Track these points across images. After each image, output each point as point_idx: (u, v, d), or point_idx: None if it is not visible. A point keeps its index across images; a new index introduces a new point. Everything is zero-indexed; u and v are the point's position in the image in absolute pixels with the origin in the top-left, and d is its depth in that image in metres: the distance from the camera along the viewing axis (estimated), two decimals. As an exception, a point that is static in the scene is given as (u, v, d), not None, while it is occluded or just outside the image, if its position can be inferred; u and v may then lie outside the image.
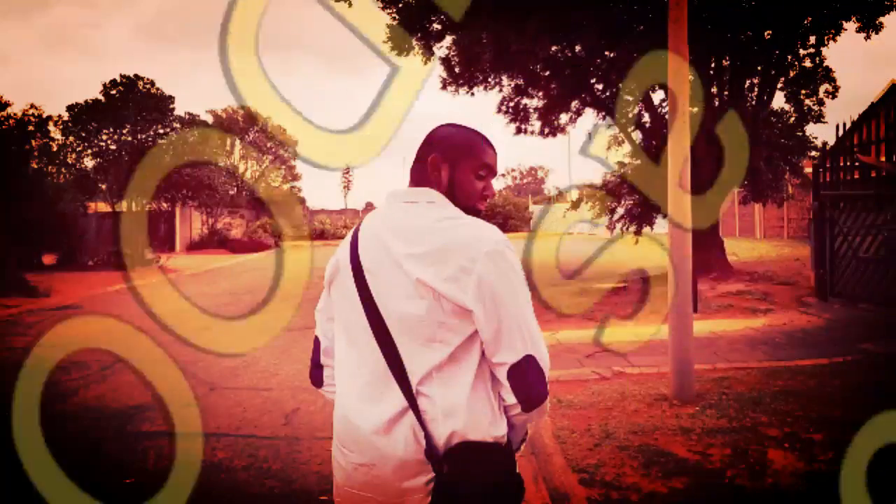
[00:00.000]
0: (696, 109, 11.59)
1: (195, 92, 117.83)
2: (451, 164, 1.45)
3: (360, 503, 1.36)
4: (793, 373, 5.33)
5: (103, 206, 20.60)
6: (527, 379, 1.31)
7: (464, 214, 1.42)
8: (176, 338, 7.95)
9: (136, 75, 19.09)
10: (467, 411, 1.30)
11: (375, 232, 1.41)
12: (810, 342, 6.66)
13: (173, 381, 5.72)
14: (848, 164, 8.10)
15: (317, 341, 1.59)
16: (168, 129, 20.22)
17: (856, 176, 8.23)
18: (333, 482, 1.44)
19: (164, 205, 24.48)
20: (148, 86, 19.47)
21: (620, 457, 3.58)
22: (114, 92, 18.30)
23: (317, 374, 1.59)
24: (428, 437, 1.29)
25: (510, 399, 1.33)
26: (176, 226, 26.54)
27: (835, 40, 11.50)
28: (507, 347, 1.31)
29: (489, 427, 1.31)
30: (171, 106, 19.94)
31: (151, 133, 19.94)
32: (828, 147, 8.68)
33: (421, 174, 1.46)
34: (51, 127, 17.85)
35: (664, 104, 12.11)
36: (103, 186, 19.46)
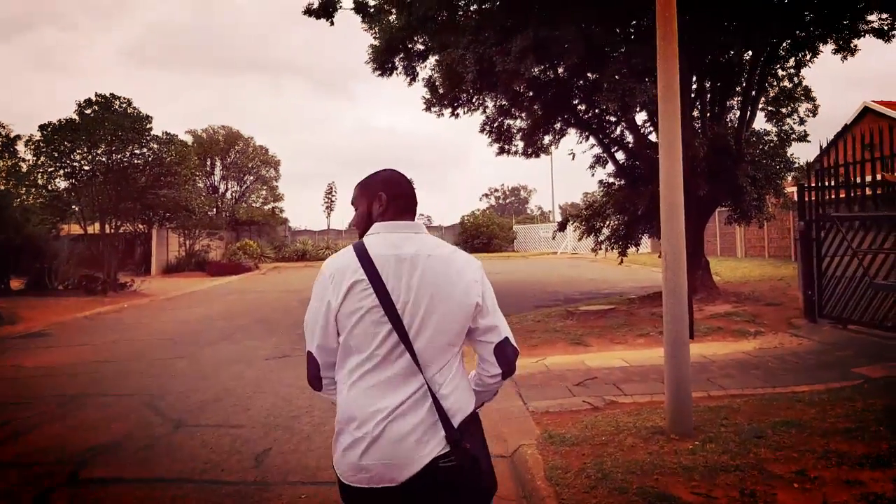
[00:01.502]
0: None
1: (177, 114, 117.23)
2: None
3: (375, 476, 1.67)
4: (791, 401, 5.11)
5: (77, 229, 20.04)
6: (506, 354, 1.82)
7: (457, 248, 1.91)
8: (145, 368, 7.55)
9: (112, 94, 18.69)
10: (463, 392, 1.78)
11: (396, 253, 1.74)
12: (804, 366, 6.48)
13: (137, 417, 5.34)
14: (831, 183, 8.01)
15: (312, 359, 1.81)
16: (144, 149, 19.78)
17: (841, 195, 8.15)
18: (341, 469, 1.71)
19: (141, 226, 23.94)
20: (124, 105, 19.07)
21: (619, 501, 3.31)
22: (88, 111, 17.86)
23: (317, 383, 1.85)
24: (442, 412, 1.69)
25: (494, 370, 1.83)
26: (152, 248, 25.98)
27: (812, 62, 11.60)
28: (493, 333, 1.81)
29: (471, 401, 1.81)
30: (149, 126, 19.51)
31: (127, 153, 19.49)
32: (813, 167, 8.60)
33: (413, 214, 1.89)
34: (21, 147, 17.34)
35: (647, 124, 12.06)
36: (76, 208, 18.92)
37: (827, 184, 8.21)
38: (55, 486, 3.85)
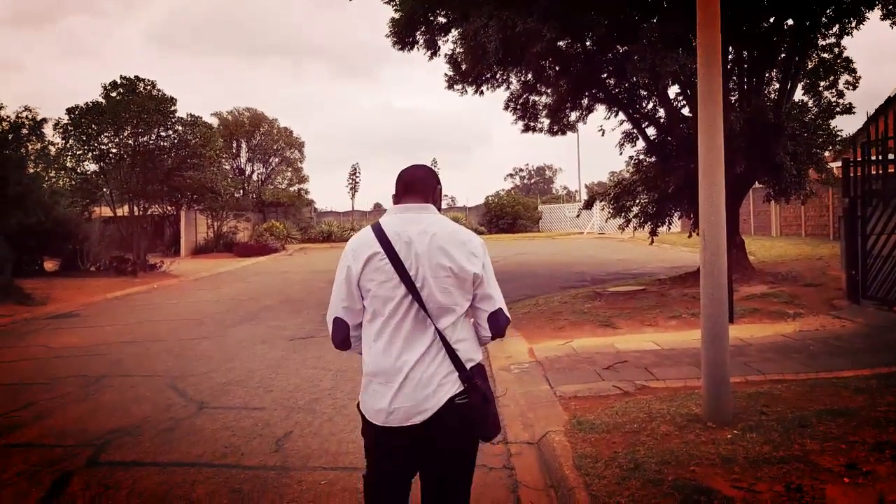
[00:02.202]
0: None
1: (202, 98, 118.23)
2: (440, 192, 2.28)
3: (403, 417, 2.00)
4: (836, 387, 4.83)
5: (107, 211, 20.32)
6: (498, 322, 2.15)
7: (461, 226, 2.23)
8: (170, 349, 7.55)
9: (136, 77, 18.75)
10: (472, 343, 2.12)
11: (404, 230, 2.08)
12: (847, 350, 6.16)
13: (160, 399, 5.30)
14: (878, 157, 7.55)
15: (340, 323, 2.13)
16: (170, 132, 19.87)
17: (889, 170, 7.70)
18: (370, 414, 2.05)
19: (169, 208, 24.20)
20: (149, 87, 19.13)
21: (653, 494, 3.12)
22: (114, 94, 17.96)
23: (345, 345, 2.17)
24: (457, 362, 2.03)
25: (485, 334, 2.17)
26: (181, 230, 26.27)
27: (858, 28, 10.95)
28: (489, 303, 2.14)
29: (479, 352, 2.15)
30: (173, 108, 19.57)
31: (153, 135, 19.62)
32: (858, 140, 8.14)
33: (425, 196, 2.19)
34: (49, 130, 17.53)
35: (679, 98, 11.60)
36: (105, 190, 19.15)
37: (873, 158, 7.76)
38: (74, 468, 3.81)
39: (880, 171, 7.78)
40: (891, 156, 7.69)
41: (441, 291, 2.04)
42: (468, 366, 2.05)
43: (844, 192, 8.09)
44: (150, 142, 19.35)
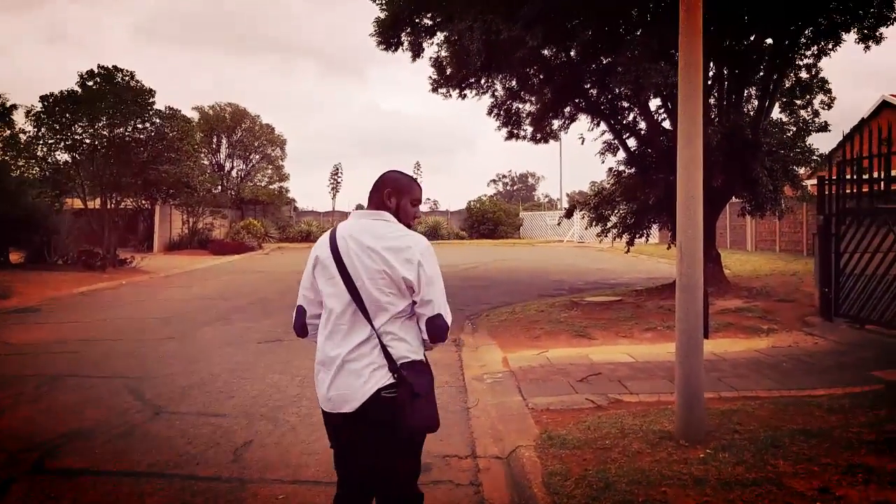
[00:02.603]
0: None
1: (187, 92, 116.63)
2: (398, 197, 2.35)
3: (336, 404, 2.20)
4: (809, 406, 4.79)
5: (79, 203, 19.83)
6: (436, 327, 2.23)
7: (406, 228, 2.32)
8: (133, 349, 7.30)
9: (115, 67, 18.30)
10: (408, 344, 2.23)
11: (351, 234, 2.26)
12: (820, 368, 6.15)
13: (116, 402, 5.08)
14: (854, 176, 7.59)
15: (301, 309, 2.40)
16: (147, 124, 19.44)
17: (863, 190, 7.75)
18: (319, 399, 2.28)
19: (144, 203, 23.71)
20: (127, 78, 18.70)
21: (623, 515, 3.02)
22: (90, 83, 17.51)
23: (302, 331, 2.42)
24: (388, 357, 2.18)
25: (425, 336, 2.26)
26: (155, 225, 25.77)
27: (835, 50, 11.11)
28: (428, 308, 2.23)
29: (415, 352, 2.24)
30: (151, 100, 19.14)
31: (129, 127, 19.18)
32: (833, 159, 8.20)
33: (378, 202, 2.34)
34: (20, 117, 17.03)
35: (660, 111, 11.64)
36: (77, 182, 18.66)
37: (848, 177, 7.81)
38: (17, 475, 3.59)
39: (855, 190, 7.83)
40: (865, 175, 7.75)
41: (377, 291, 2.21)
42: (399, 362, 2.19)
43: (819, 209, 8.14)
44: (126, 133, 18.90)
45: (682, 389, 4.13)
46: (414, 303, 2.25)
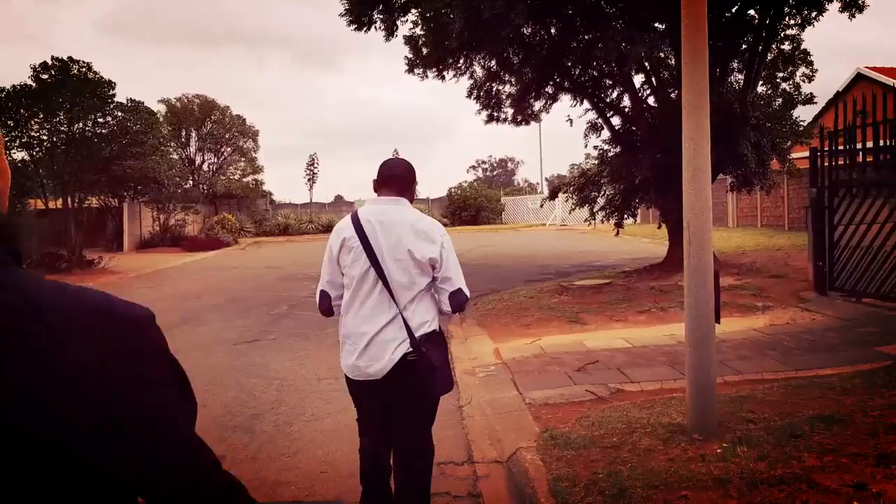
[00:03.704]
0: (675, 93, 10.85)
1: (156, 87, 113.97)
2: (413, 185, 2.75)
3: (365, 373, 2.52)
4: (820, 387, 4.54)
5: (42, 204, 19.00)
6: (458, 300, 2.58)
7: (425, 215, 2.74)
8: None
9: (70, 58, 17.38)
10: (426, 317, 2.55)
11: (375, 217, 2.53)
12: (823, 345, 5.92)
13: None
14: (852, 147, 7.36)
15: (324, 293, 2.66)
16: (108, 118, 18.61)
17: (858, 160, 7.53)
18: (345, 369, 2.61)
19: (112, 200, 22.90)
20: (84, 69, 17.83)
21: (644, 527, 2.70)
22: (45, 76, 16.65)
23: (328, 313, 2.71)
24: (409, 331, 2.49)
25: (446, 308, 2.59)
26: (124, 223, 24.92)
27: (818, 20, 10.90)
28: (450, 283, 2.55)
29: (434, 323, 2.59)
30: (112, 92, 18.30)
31: (89, 122, 18.36)
32: (824, 131, 7.96)
33: (400, 189, 2.63)
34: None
35: (645, 87, 11.33)
36: (38, 181, 17.85)
37: (841, 148, 7.58)
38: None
39: (847, 161, 7.61)
40: (858, 146, 7.52)
41: (402, 271, 2.46)
42: (418, 333, 2.48)
43: (811, 182, 7.92)
44: (87, 128, 18.08)
45: (693, 378, 3.83)
46: (434, 279, 2.55)
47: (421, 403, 2.60)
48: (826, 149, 7.72)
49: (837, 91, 21.45)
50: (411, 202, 2.65)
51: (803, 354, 5.66)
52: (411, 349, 2.45)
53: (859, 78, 21.53)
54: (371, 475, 2.69)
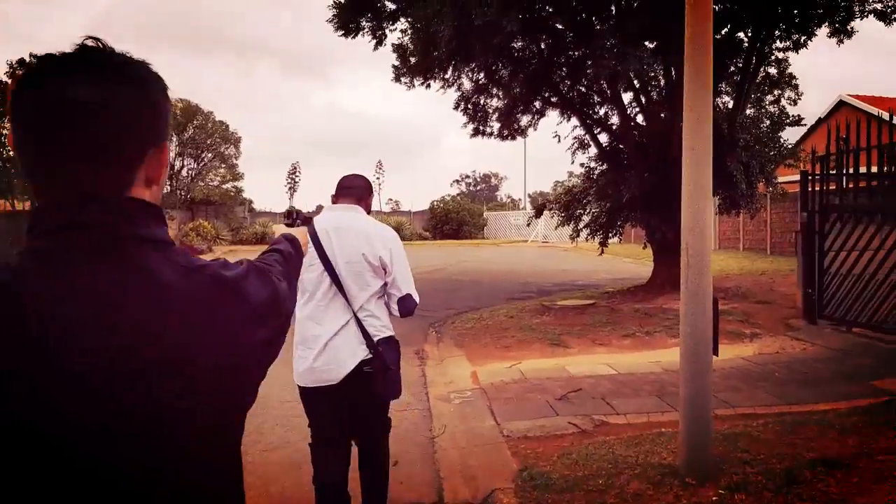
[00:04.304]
0: (665, 112, 10.69)
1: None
2: (369, 196, 2.83)
3: (321, 377, 2.54)
4: (818, 425, 4.25)
5: (10, 206, 18.33)
6: (406, 305, 2.64)
7: (377, 221, 2.78)
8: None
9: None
10: (381, 320, 2.63)
11: (331, 224, 2.60)
12: (815, 377, 5.66)
13: None
14: (847, 171, 7.17)
15: None
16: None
17: (849, 186, 7.34)
18: (297, 376, 2.62)
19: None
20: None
21: None
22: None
23: None
24: (366, 335, 2.55)
25: (396, 313, 2.66)
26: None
27: (806, 47, 10.86)
28: (399, 288, 2.63)
29: (389, 329, 2.67)
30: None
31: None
32: (815, 155, 7.79)
33: (356, 199, 2.74)
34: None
35: (634, 104, 11.17)
36: (5, 181, 17.22)
37: (833, 172, 7.39)
38: None
39: (839, 186, 7.42)
40: (852, 170, 7.35)
41: (355, 275, 2.55)
42: (375, 339, 2.54)
43: (802, 206, 7.72)
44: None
45: (687, 415, 3.51)
46: (386, 284, 2.63)
47: (376, 409, 2.70)
48: (817, 173, 7.53)
49: (820, 117, 21.66)
50: (368, 213, 2.78)
51: (796, 387, 5.39)
52: (369, 354, 2.53)
53: (841, 104, 21.76)
54: (328, 495, 2.66)
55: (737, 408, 4.88)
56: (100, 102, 0.81)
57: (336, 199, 2.75)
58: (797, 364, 6.12)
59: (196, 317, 0.85)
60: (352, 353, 2.51)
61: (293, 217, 1.87)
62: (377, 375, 2.51)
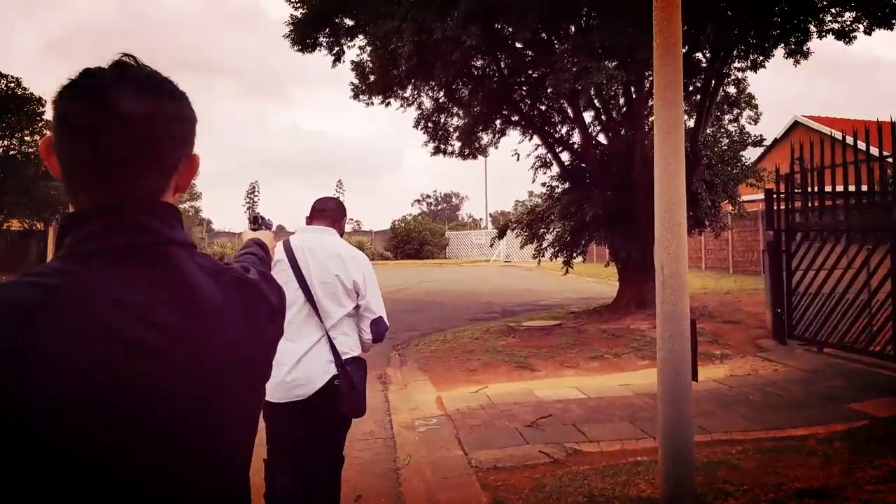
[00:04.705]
0: (624, 132, 10.69)
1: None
2: (343, 219, 2.96)
3: (292, 393, 2.58)
4: (800, 452, 4.06)
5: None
6: (378, 328, 2.74)
7: (351, 245, 2.87)
8: None
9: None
10: (351, 340, 2.71)
11: (306, 245, 2.71)
12: (790, 400, 5.51)
13: None
14: (812, 189, 7.16)
15: None
16: (37, 136, 17.36)
17: (814, 204, 7.33)
18: (269, 391, 2.28)
19: (37, 224, 21.31)
20: (11, 85, 16.61)
21: None
22: (-32, 91, 15.35)
23: None
24: (335, 353, 2.64)
25: (366, 337, 2.74)
26: (49, 248, 23.15)
27: (764, 66, 11.04)
28: (372, 311, 2.73)
29: (357, 349, 2.74)
30: (42, 109, 17.11)
31: (15, 140, 17.02)
32: (779, 174, 7.79)
33: (330, 221, 2.86)
34: None
35: (595, 123, 11.15)
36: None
37: (798, 191, 7.38)
38: None
39: (810, 204, 7.39)
40: (816, 189, 7.34)
41: (329, 295, 2.65)
42: (344, 357, 2.64)
43: (768, 224, 7.69)
44: (11, 146, 16.74)
45: (667, 445, 3.24)
46: (358, 307, 2.71)
47: (336, 423, 2.74)
48: (782, 191, 7.51)
49: (776, 137, 22.25)
50: (341, 235, 2.86)
51: (772, 411, 5.22)
52: (338, 372, 2.61)
53: (796, 125, 22.42)
54: None
55: (713, 433, 4.67)
56: (148, 113, 0.87)
57: (310, 220, 2.84)
58: (770, 386, 5.98)
59: (230, 315, 0.91)
60: (323, 371, 2.59)
61: (258, 222, 1.94)
62: (343, 393, 2.59)
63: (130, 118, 0.85)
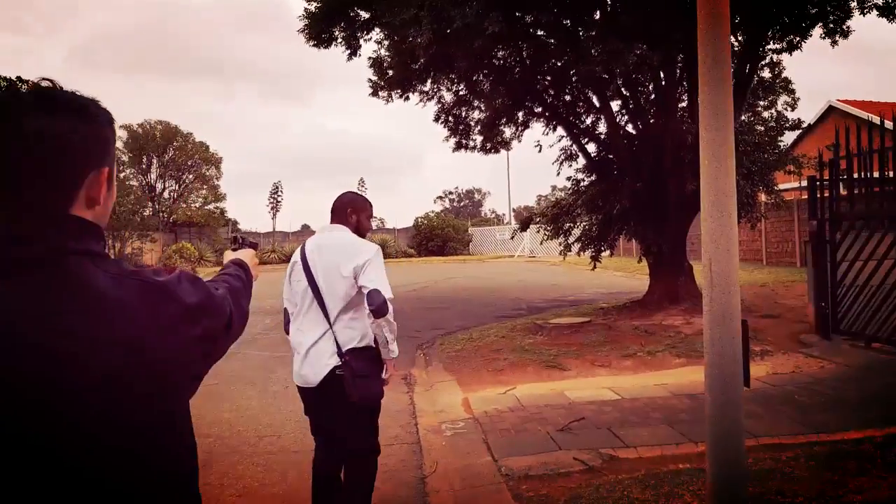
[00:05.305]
0: (653, 121, 10.31)
1: (126, 118, 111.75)
2: (357, 213, 3.08)
3: (305, 380, 2.89)
4: (857, 459, 3.74)
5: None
6: (373, 299, 2.74)
7: (360, 238, 3.03)
8: None
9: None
10: (353, 333, 2.85)
11: (316, 244, 2.97)
12: (839, 401, 5.16)
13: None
14: (860, 175, 6.74)
15: (286, 311, 3.10)
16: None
17: (861, 191, 6.92)
18: (294, 376, 2.97)
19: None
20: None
21: None
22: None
23: (287, 327, 3.09)
24: (338, 343, 2.82)
25: (368, 310, 2.77)
26: None
27: (800, 48, 10.53)
28: (366, 286, 2.77)
29: (362, 340, 2.87)
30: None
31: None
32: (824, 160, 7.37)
33: (341, 218, 3.05)
34: None
35: (622, 112, 10.78)
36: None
37: (844, 177, 6.97)
38: None
39: (852, 192, 6.98)
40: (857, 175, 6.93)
41: (332, 288, 2.85)
42: (344, 348, 2.82)
43: (811, 214, 7.29)
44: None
45: (716, 455, 2.97)
46: (360, 288, 2.79)
47: (350, 410, 2.82)
48: (826, 179, 7.11)
49: (809, 123, 21.51)
50: (357, 228, 3.03)
51: (821, 412, 4.88)
52: (340, 362, 2.78)
53: (830, 110, 21.65)
54: (317, 482, 2.99)
55: (760, 437, 4.36)
56: (40, 132, 0.92)
57: (330, 219, 3.08)
58: (817, 385, 5.63)
59: (130, 315, 0.95)
60: (326, 361, 2.79)
61: (239, 242, 2.00)
62: (347, 381, 2.75)
63: (26, 137, 0.91)
